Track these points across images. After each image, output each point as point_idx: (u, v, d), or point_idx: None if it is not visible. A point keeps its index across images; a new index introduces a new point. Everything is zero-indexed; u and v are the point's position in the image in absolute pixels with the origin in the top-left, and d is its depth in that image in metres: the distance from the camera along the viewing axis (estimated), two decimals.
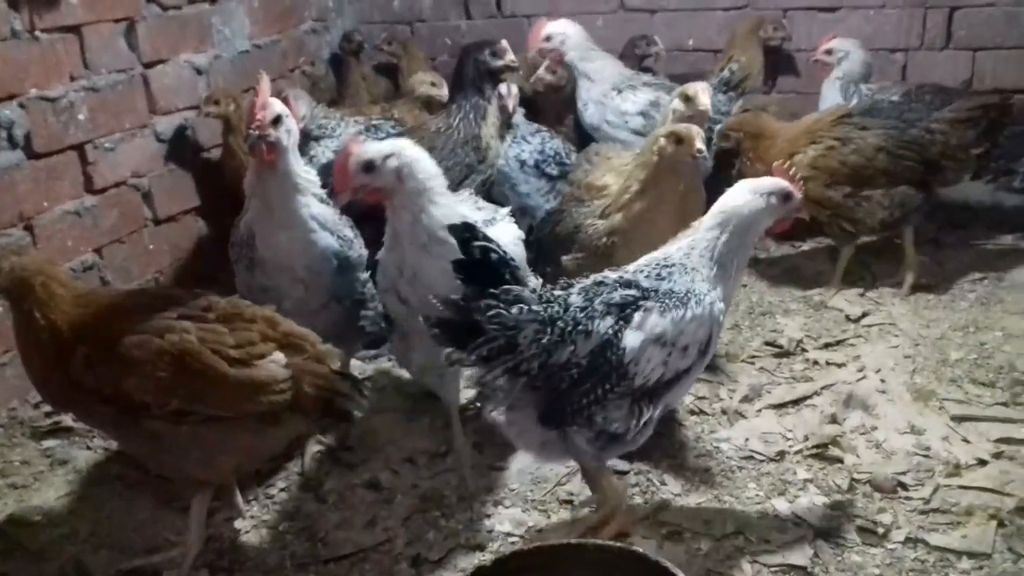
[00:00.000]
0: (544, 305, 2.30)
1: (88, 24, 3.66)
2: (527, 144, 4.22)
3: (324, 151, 4.01)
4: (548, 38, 4.48)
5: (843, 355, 3.57)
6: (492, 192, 4.16)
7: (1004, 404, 3.15)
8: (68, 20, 3.55)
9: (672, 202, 3.05)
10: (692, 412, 3.25)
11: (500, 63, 3.71)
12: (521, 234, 2.89)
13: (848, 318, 3.88)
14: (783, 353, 3.62)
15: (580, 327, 2.31)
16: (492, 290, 2.22)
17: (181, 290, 2.72)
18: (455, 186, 3.66)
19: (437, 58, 5.73)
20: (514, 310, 2.23)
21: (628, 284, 2.42)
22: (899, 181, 3.86)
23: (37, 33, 3.43)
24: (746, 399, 3.30)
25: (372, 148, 2.59)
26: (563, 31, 4.47)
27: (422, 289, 2.60)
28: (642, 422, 2.40)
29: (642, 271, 2.47)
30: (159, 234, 4.18)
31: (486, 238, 2.26)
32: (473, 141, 3.74)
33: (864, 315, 3.88)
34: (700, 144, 2.92)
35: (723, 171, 4.18)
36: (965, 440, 2.96)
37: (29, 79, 3.41)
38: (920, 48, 5.12)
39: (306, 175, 2.94)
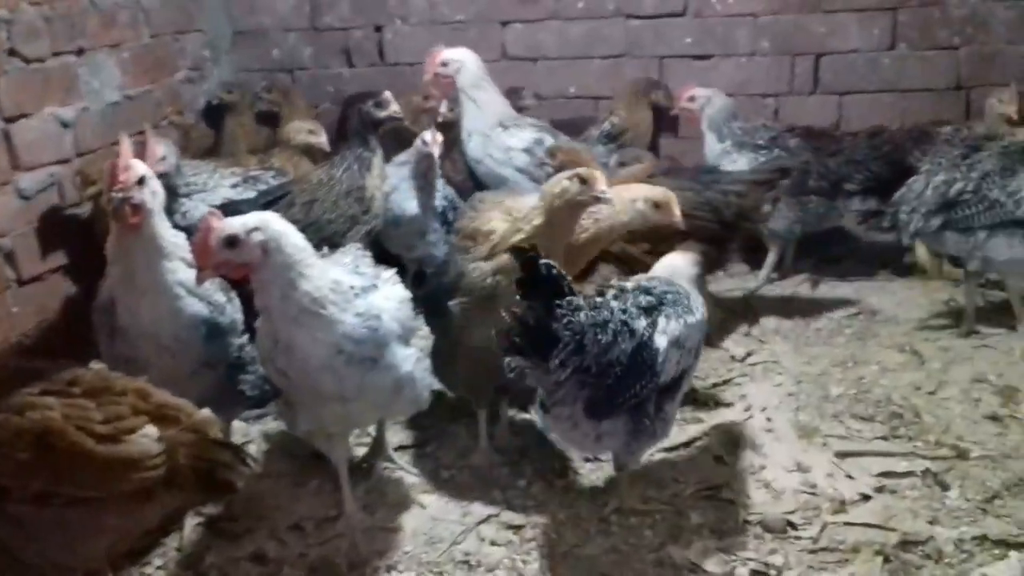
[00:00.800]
0: (596, 310, 2.55)
1: None
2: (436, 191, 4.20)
3: (197, 206, 3.86)
4: (445, 63, 4.47)
5: (731, 394, 3.63)
6: (388, 242, 4.13)
7: (884, 438, 3.26)
8: None
9: (563, 242, 3.03)
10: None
11: (384, 114, 3.72)
12: (407, 295, 2.84)
13: (733, 358, 3.96)
14: None
15: (625, 327, 2.57)
16: (559, 301, 2.45)
17: (43, 362, 2.56)
18: (340, 237, 3.63)
19: (319, 106, 5.65)
20: (580, 316, 2.48)
21: (647, 291, 2.73)
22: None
23: None
24: None
25: (235, 222, 2.45)
26: (460, 58, 4.48)
27: (298, 362, 2.53)
28: (667, 416, 2.75)
29: (649, 282, 2.79)
30: (23, 296, 3.93)
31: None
32: (357, 192, 3.72)
33: (749, 354, 3.96)
34: (603, 185, 2.97)
35: None
36: (849, 476, 3.04)
37: None
38: (790, 93, 5.35)
39: (173, 238, 2.83)
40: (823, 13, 5.20)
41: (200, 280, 2.55)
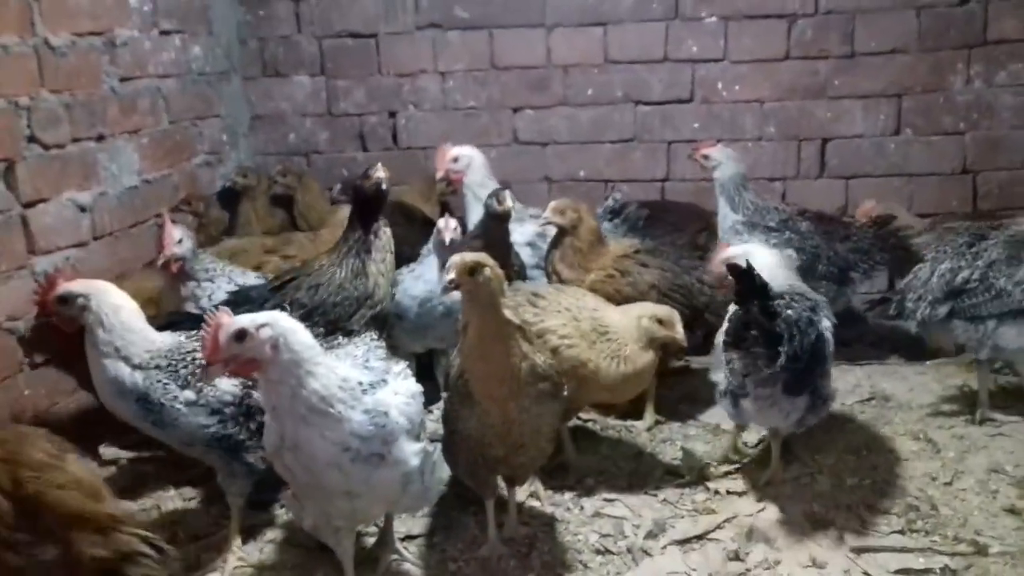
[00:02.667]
0: (791, 310, 3.20)
1: None
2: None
3: (221, 287, 3.91)
4: (456, 159, 4.67)
5: (743, 484, 3.58)
6: (395, 331, 4.11)
7: (900, 532, 3.20)
8: None
9: (491, 332, 2.90)
10: (598, 551, 3.19)
11: (370, 184, 3.72)
12: (418, 389, 2.83)
13: (745, 444, 3.92)
14: (684, 483, 3.62)
15: (811, 323, 3.20)
16: (773, 302, 3.13)
17: None
18: (346, 321, 3.64)
19: (333, 189, 5.73)
20: (790, 313, 3.16)
21: (804, 297, 3.41)
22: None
23: None
24: (651, 535, 3.26)
25: (244, 318, 2.48)
26: (470, 155, 4.69)
27: (304, 460, 2.53)
28: (828, 396, 3.47)
29: (794, 290, 3.45)
30: (37, 378, 3.94)
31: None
32: (360, 275, 3.72)
33: (760, 441, 3.92)
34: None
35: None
36: (866, 573, 2.98)
37: None
38: (797, 177, 5.41)
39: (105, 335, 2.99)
40: (828, 99, 5.30)
41: (209, 376, 2.57)
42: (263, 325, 2.43)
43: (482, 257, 2.79)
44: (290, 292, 3.64)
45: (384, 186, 3.72)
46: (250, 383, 2.97)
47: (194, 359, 3.00)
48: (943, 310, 3.95)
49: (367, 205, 3.75)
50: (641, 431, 4.08)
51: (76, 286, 3.02)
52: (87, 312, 2.97)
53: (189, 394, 2.98)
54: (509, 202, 4.01)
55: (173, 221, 4.04)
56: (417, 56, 5.56)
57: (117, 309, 3.00)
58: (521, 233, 4.47)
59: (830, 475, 3.61)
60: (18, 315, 3.81)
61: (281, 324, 2.47)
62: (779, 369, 3.06)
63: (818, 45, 5.23)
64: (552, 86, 5.50)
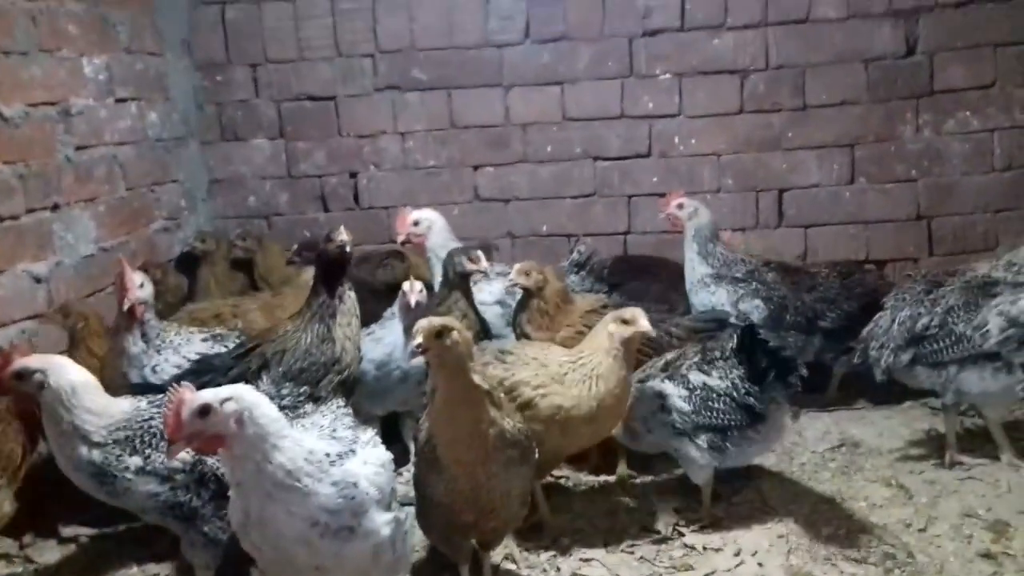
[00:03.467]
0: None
1: None
2: None
3: (168, 359, 3.81)
4: (416, 223, 4.66)
5: (719, 538, 3.54)
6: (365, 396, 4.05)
7: None
8: None
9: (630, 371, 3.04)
10: None
11: (333, 247, 3.68)
12: (388, 457, 2.77)
13: (718, 496, 3.89)
14: (661, 539, 3.57)
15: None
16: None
17: None
18: (314, 387, 3.57)
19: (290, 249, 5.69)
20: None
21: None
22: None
23: None
24: None
25: (207, 392, 2.41)
26: (430, 218, 4.69)
27: (272, 536, 2.45)
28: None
29: None
30: None
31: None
32: (327, 341, 3.67)
33: (734, 492, 3.90)
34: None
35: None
36: None
37: None
38: (756, 227, 5.49)
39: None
40: (783, 151, 5.41)
41: (172, 453, 2.48)
42: (227, 399, 2.36)
43: (449, 320, 2.76)
44: (254, 359, 3.56)
45: (348, 249, 3.69)
46: None
47: (150, 427, 2.97)
48: (906, 357, 3.99)
49: (331, 268, 3.71)
50: (615, 486, 4.03)
51: (33, 362, 2.94)
52: (45, 389, 2.90)
53: (137, 460, 2.93)
54: (484, 261, 4.05)
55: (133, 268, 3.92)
56: (377, 117, 5.59)
57: (75, 386, 2.93)
58: (490, 292, 4.48)
59: (805, 525, 3.58)
60: None
61: (246, 398, 2.40)
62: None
63: (771, 99, 5.35)
64: (512, 143, 5.56)
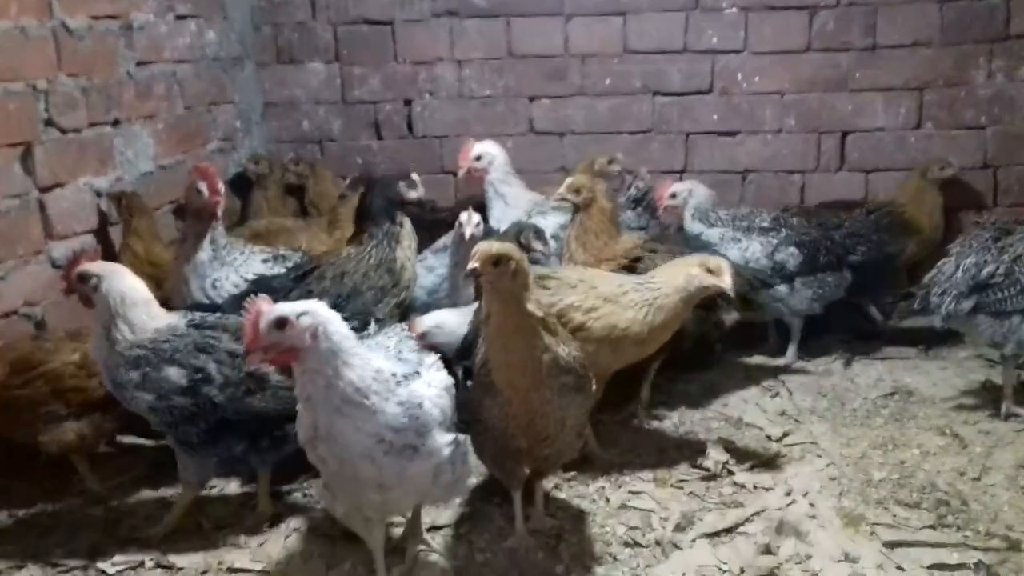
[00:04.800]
0: None
1: None
2: None
3: (228, 276, 3.85)
4: (479, 157, 4.65)
5: (770, 477, 3.54)
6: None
7: (932, 527, 3.15)
8: None
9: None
10: (627, 544, 3.14)
11: (414, 195, 3.81)
12: (450, 381, 2.79)
13: (769, 438, 3.88)
14: (710, 476, 3.57)
15: None
16: None
17: None
18: (370, 308, 3.60)
19: (347, 177, 5.68)
20: None
21: None
22: None
23: None
24: (679, 528, 3.22)
25: (285, 305, 2.45)
26: (492, 152, 4.67)
27: (338, 451, 2.50)
28: None
29: None
30: None
31: None
32: (387, 264, 3.73)
33: (785, 434, 3.88)
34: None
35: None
36: (899, 567, 2.93)
37: None
38: (816, 170, 5.37)
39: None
40: (849, 92, 5.26)
41: (250, 362, 2.53)
42: (303, 313, 2.39)
43: (509, 249, 2.74)
44: (313, 280, 3.59)
45: (421, 201, 3.88)
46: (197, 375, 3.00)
47: (163, 349, 3.02)
48: (968, 305, 3.92)
49: (402, 206, 3.80)
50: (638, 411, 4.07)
51: (94, 267, 3.09)
52: (97, 292, 3.02)
53: (135, 376, 2.99)
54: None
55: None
56: (433, 44, 5.51)
57: (124, 296, 3.03)
58: (544, 225, 4.44)
59: (857, 469, 3.57)
60: (35, 300, 3.78)
61: (320, 313, 2.43)
62: None
63: (840, 37, 5.19)
64: (570, 76, 5.46)
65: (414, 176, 3.85)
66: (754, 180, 5.44)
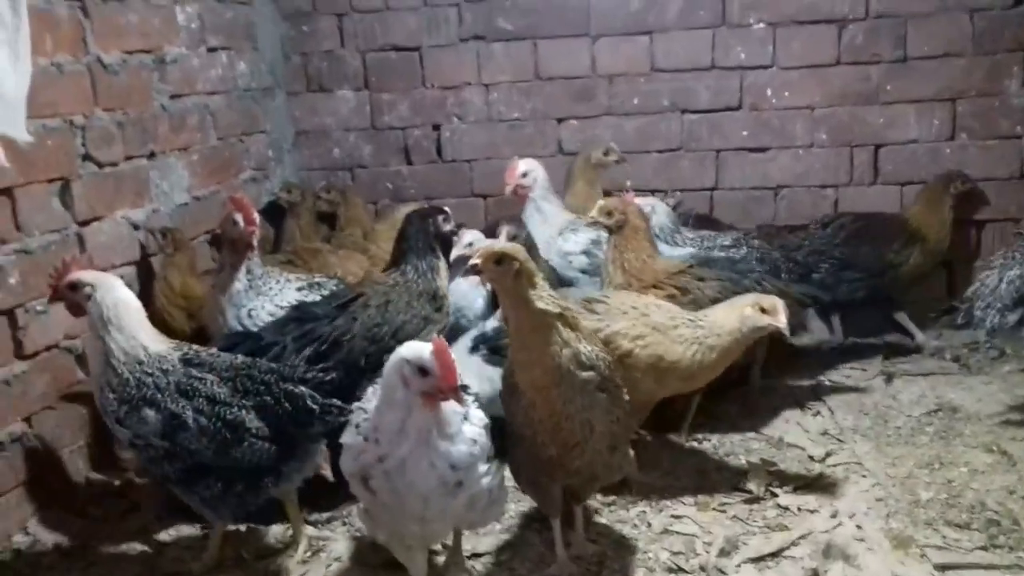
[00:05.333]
0: None
1: (21, 186, 3.51)
2: None
3: (264, 305, 3.88)
4: (524, 175, 4.72)
5: (814, 499, 3.48)
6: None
7: (983, 548, 3.08)
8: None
9: (527, 323, 2.79)
10: (670, 570, 3.10)
11: (448, 228, 3.91)
12: (486, 419, 2.79)
13: (812, 458, 3.82)
14: (753, 499, 3.52)
15: None
16: None
17: None
18: (413, 337, 3.60)
19: (378, 203, 5.72)
20: None
21: None
22: None
23: None
24: (723, 552, 3.17)
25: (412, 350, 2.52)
26: (535, 170, 4.75)
27: (402, 485, 2.53)
28: None
29: None
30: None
31: None
32: (429, 293, 3.78)
33: (828, 454, 3.82)
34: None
35: None
36: None
37: None
38: (850, 184, 5.32)
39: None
40: (881, 105, 5.20)
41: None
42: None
43: (512, 248, 2.74)
44: (358, 309, 3.61)
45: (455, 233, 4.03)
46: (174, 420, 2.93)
47: (145, 384, 2.95)
48: (1013, 317, 3.86)
49: (436, 238, 3.86)
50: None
51: (87, 275, 3.07)
52: (91, 301, 3.01)
53: (118, 409, 2.95)
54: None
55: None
56: (461, 68, 5.53)
57: (117, 304, 3.01)
58: (575, 242, 4.48)
59: (904, 489, 3.50)
60: (75, 334, 3.81)
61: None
62: None
63: (869, 50, 5.14)
64: (597, 96, 5.45)
65: (447, 211, 3.95)
66: (787, 196, 5.39)
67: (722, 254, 4.44)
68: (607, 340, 3.27)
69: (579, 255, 4.59)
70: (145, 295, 4.20)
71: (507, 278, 2.67)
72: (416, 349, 2.50)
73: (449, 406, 2.52)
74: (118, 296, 3.03)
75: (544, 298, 2.73)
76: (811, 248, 4.69)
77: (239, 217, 3.81)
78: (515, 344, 2.78)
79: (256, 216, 3.86)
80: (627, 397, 3.00)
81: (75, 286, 3.02)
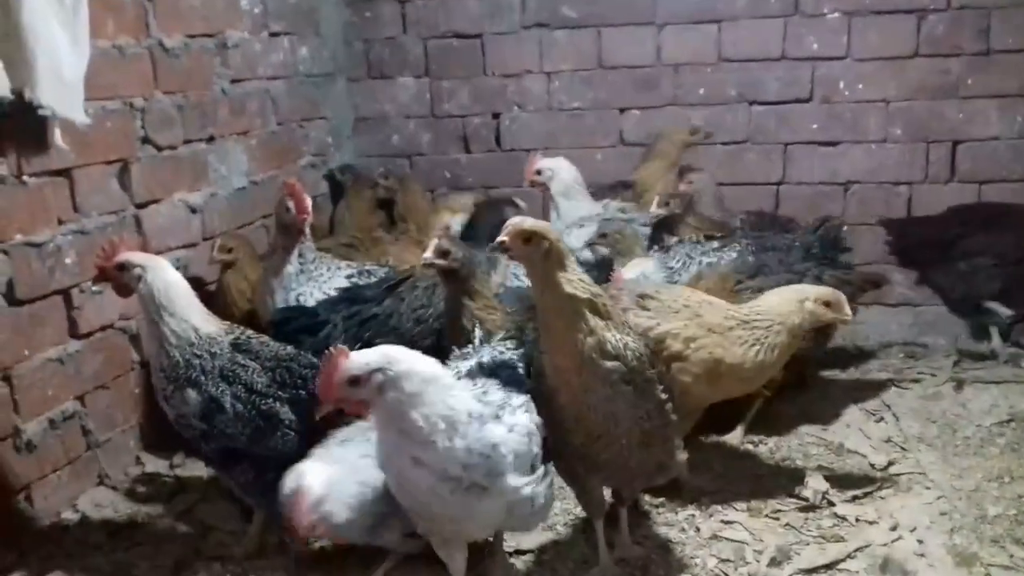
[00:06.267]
0: None
1: (79, 167, 3.55)
2: None
3: (313, 292, 3.86)
4: (539, 172, 4.84)
5: (873, 510, 3.32)
6: None
7: None
8: (58, 164, 3.43)
9: (553, 306, 2.68)
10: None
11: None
12: (536, 423, 2.69)
13: (873, 466, 3.66)
14: (809, 507, 3.38)
15: None
16: None
17: None
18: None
19: (436, 191, 5.68)
20: None
21: None
22: None
23: (25, 178, 3.30)
24: (774, 562, 3.04)
25: (359, 360, 2.38)
26: (554, 167, 4.83)
27: (407, 489, 2.51)
28: None
29: None
30: (146, 377, 3.97)
31: None
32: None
33: (890, 463, 3.66)
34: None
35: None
36: None
37: (14, 224, 3.27)
38: (924, 181, 5.09)
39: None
40: (960, 99, 4.96)
41: (321, 411, 2.48)
42: (376, 371, 2.35)
43: (542, 227, 2.65)
44: (406, 290, 3.62)
45: None
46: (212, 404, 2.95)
47: (197, 364, 2.96)
48: None
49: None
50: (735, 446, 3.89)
51: (136, 256, 3.05)
52: (141, 283, 2.99)
53: (167, 387, 2.98)
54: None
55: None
56: (522, 56, 5.45)
57: (168, 287, 3.00)
58: (577, 236, 4.57)
59: (970, 503, 3.33)
60: (131, 315, 3.85)
61: (394, 369, 2.36)
62: None
63: (950, 42, 4.90)
64: (662, 85, 5.32)
65: (519, 201, 4.01)
66: (857, 192, 5.19)
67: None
68: (658, 339, 3.17)
69: (583, 250, 4.47)
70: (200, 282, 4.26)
71: (536, 258, 2.59)
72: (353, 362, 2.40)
73: (435, 405, 2.41)
74: (168, 279, 3.02)
75: (574, 282, 2.63)
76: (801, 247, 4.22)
77: (291, 203, 3.80)
78: (542, 327, 2.70)
79: (309, 204, 3.84)
80: (664, 396, 2.87)
81: (124, 267, 3.01)
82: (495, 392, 2.65)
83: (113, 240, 3.08)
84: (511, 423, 2.57)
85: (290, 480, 2.76)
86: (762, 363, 3.23)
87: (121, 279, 3.03)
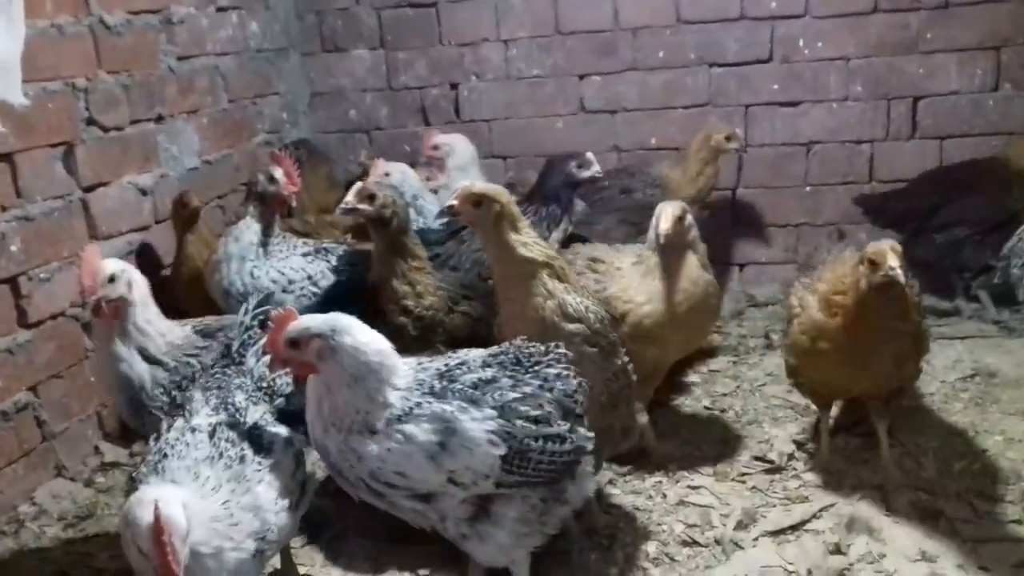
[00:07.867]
0: None
1: (21, 151, 3.44)
2: None
3: (268, 272, 3.75)
4: (436, 147, 4.77)
5: (838, 470, 3.33)
6: None
7: (1018, 521, 2.92)
8: None
9: (509, 272, 2.68)
10: (685, 543, 2.98)
11: (586, 174, 3.87)
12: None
13: (838, 425, 3.66)
14: (774, 469, 3.38)
15: None
16: None
17: None
18: None
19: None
20: None
21: None
22: None
23: None
24: (740, 525, 3.04)
25: (303, 324, 2.33)
26: (450, 143, 4.77)
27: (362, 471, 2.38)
28: None
29: None
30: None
31: None
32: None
33: (856, 422, 3.66)
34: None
35: None
36: (983, 567, 2.71)
37: None
38: (886, 139, 5.07)
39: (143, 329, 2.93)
40: (920, 54, 4.93)
41: (273, 369, 2.46)
42: (316, 336, 2.29)
43: (493, 190, 2.61)
44: (467, 235, 3.66)
45: (598, 179, 4.01)
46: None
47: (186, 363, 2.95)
48: None
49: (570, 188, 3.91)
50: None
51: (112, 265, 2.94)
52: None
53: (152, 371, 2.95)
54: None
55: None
56: (479, 24, 5.35)
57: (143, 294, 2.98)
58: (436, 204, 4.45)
59: (935, 460, 3.33)
60: (81, 302, 3.75)
61: (336, 338, 2.29)
62: None
63: None
64: (620, 50, 5.24)
65: (588, 155, 3.88)
66: (819, 152, 5.15)
67: None
68: (607, 301, 3.13)
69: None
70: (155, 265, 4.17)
71: (487, 221, 2.54)
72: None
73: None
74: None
75: (529, 245, 2.59)
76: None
77: (279, 174, 3.69)
78: (501, 296, 2.66)
79: (298, 177, 3.78)
80: (626, 358, 2.85)
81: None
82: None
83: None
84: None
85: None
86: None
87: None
